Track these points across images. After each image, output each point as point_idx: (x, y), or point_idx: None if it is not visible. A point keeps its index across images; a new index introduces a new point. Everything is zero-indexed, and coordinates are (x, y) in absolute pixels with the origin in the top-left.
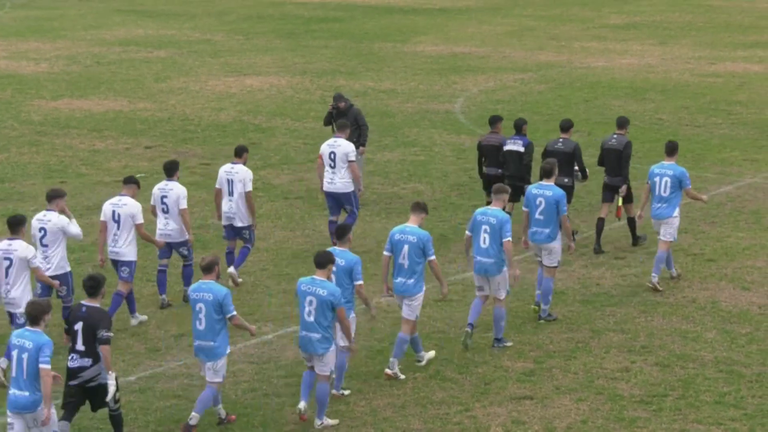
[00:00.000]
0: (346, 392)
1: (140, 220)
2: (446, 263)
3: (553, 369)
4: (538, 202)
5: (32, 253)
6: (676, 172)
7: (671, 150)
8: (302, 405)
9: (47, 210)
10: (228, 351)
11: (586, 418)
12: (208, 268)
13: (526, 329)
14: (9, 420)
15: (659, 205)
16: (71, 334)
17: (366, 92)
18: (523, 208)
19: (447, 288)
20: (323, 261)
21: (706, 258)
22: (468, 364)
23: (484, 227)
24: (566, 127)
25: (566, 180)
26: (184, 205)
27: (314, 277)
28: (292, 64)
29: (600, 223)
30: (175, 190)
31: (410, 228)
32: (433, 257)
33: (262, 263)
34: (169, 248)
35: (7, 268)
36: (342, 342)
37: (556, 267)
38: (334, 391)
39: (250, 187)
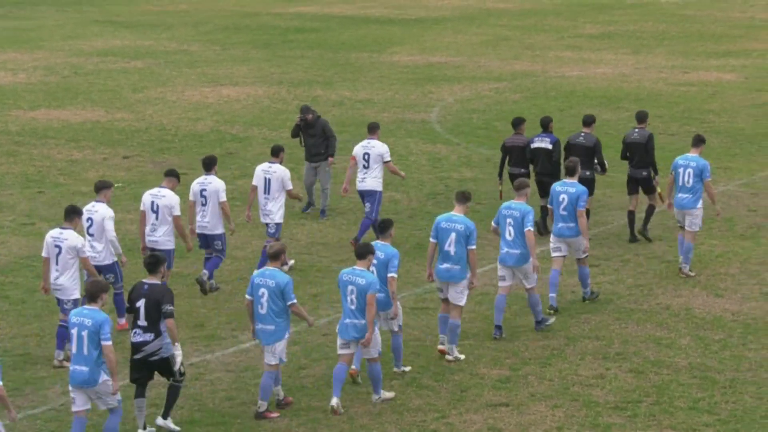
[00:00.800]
0: (407, 368)
1: (177, 212)
2: (423, 272)
3: (528, 376)
4: (561, 199)
5: (81, 243)
6: (699, 163)
7: (697, 142)
8: (335, 401)
9: (96, 201)
10: (287, 336)
11: (561, 425)
12: (275, 256)
13: (501, 337)
14: (71, 394)
15: (683, 195)
16: (133, 311)
17: (342, 102)
18: (548, 205)
19: (478, 280)
20: (363, 252)
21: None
22: (444, 372)
23: (508, 220)
24: (589, 122)
25: (588, 173)
26: (223, 198)
27: (354, 267)
28: (269, 74)
29: (631, 216)
30: (214, 184)
31: (457, 216)
32: (473, 247)
33: (240, 272)
34: (204, 240)
35: (57, 255)
36: (385, 326)
37: (586, 256)
38: (395, 369)
39: (290, 186)
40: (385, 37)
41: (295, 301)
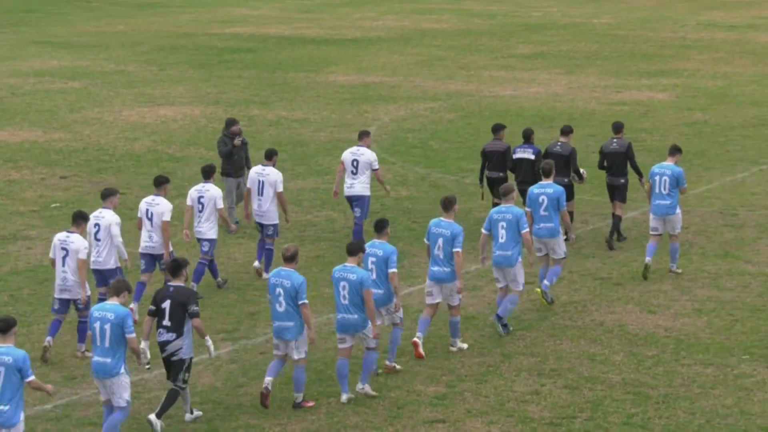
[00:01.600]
0: (398, 366)
1: (220, 204)
2: None
3: (464, 392)
4: (540, 200)
5: (84, 247)
6: (674, 171)
7: (673, 151)
8: (344, 398)
9: (102, 208)
10: (305, 331)
11: None
12: (291, 258)
13: (437, 354)
14: (97, 384)
15: (661, 202)
16: (158, 312)
17: (279, 122)
18: (526, 208)
19: (463, 284)
20: (354, 249)
21: (614, 282)
22: (381, 389)
23: (501, 224)
24: (566, 131)
25: (565, 180)
26: (220, 204)
27: (345, 264)
28: (206, 94)
29: (615, 219)
30: (211, 191)
31: (445, 222)
32: (458, 250)
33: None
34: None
35: (63, 257)
36: (388, 320)
37: (563, 258)
38: (387, 362)
39: (280, 188)
40: (321, 57)
41: (306, 302)
